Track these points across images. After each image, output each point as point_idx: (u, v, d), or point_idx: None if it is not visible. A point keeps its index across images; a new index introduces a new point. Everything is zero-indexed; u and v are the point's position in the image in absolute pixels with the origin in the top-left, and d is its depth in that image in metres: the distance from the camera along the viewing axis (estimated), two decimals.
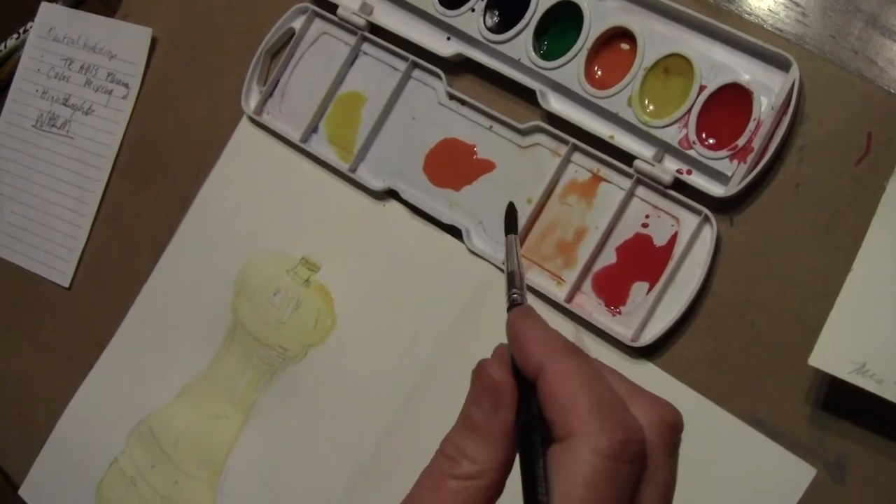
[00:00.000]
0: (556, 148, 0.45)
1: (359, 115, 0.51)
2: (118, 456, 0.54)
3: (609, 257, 0.43)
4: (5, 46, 0.66)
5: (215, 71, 0.57)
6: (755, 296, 0.40)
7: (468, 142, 0.48)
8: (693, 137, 0.42)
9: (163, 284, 0.55)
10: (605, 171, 0.44)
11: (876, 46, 0.41)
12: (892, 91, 0.40)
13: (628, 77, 0.43)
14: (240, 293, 0.52)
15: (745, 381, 0.40)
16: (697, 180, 0.42)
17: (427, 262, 0.47)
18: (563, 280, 0.44)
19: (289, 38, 0.54)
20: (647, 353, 0.42)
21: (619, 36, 0.45)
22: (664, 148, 0.43)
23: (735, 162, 0.41)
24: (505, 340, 0.29)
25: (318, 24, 0.53)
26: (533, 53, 0.46)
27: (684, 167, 0.43)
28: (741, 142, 0.41)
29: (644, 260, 0.43)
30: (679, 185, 0.42)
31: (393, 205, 0.49)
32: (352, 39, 0.51)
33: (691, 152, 0.42)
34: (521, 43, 0.46)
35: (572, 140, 0.45)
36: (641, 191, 0.43)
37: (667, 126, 0.42)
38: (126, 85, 0.59)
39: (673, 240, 0.42)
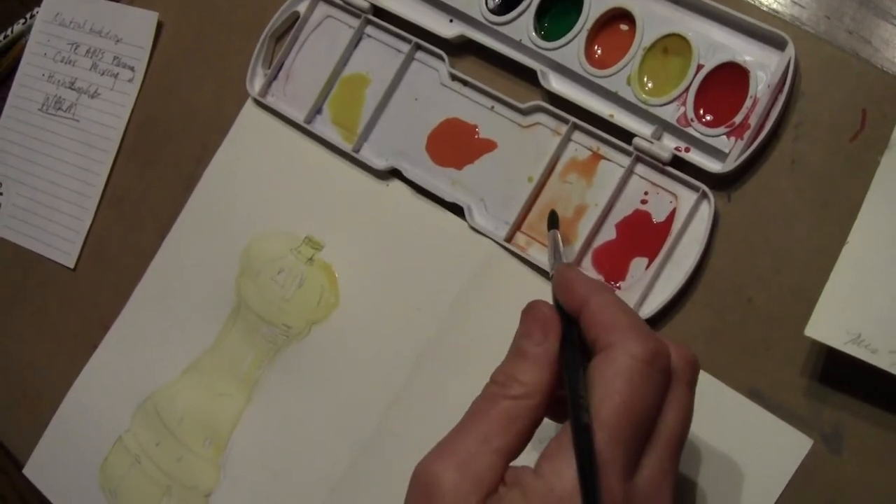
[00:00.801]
0: (557, 127, 0.46)
1: (362, 97, 0.51)
2: (122, 434, 0.54)
3: (609, 233, 0.44)
4: (12, 32, 0.66)
5: (220, 54, 0.57)
6: (752, 270, 0.41)
7: (470, 122, 0.48)
8: (691, 115, 0.42)
9: (167, 265, 0.56)
10: (604, 150, 0.45)
11: (870, 27, 0.42)
12: (886, 70, 0.41)
13: (627, 57, 0.44)
14: (244, 272, 0.53)
15: (742, 355, 0.41)
16: (695, 157, 0.43)
17: (429, 240, 0.48)
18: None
19: (293, 21, 0.54)
20: None
21: (619, 17, 0.45)
22: (663, 126, 0.43)
23: (732, 139, 0.41)
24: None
25: (322, 8, 0.54)
26: (534, 34, 0.46)
27: (682, 144, 0.43)
28: (738, 119, 0.41)
29: (643, 236, 0.43)
30: (677, 162, 0.43)
31: (396, 184, 0.50)
32: (355, 22, 0.52)
33: (689, 130, 0.42)
34: (522, 24, 0.47)
35: (572, 119, 0.45)
36: (640, 168, 0.44)
37: (665, 104, 0.43)
38: (132, 68, 0.60)
39: (671, 216, 0.43)
